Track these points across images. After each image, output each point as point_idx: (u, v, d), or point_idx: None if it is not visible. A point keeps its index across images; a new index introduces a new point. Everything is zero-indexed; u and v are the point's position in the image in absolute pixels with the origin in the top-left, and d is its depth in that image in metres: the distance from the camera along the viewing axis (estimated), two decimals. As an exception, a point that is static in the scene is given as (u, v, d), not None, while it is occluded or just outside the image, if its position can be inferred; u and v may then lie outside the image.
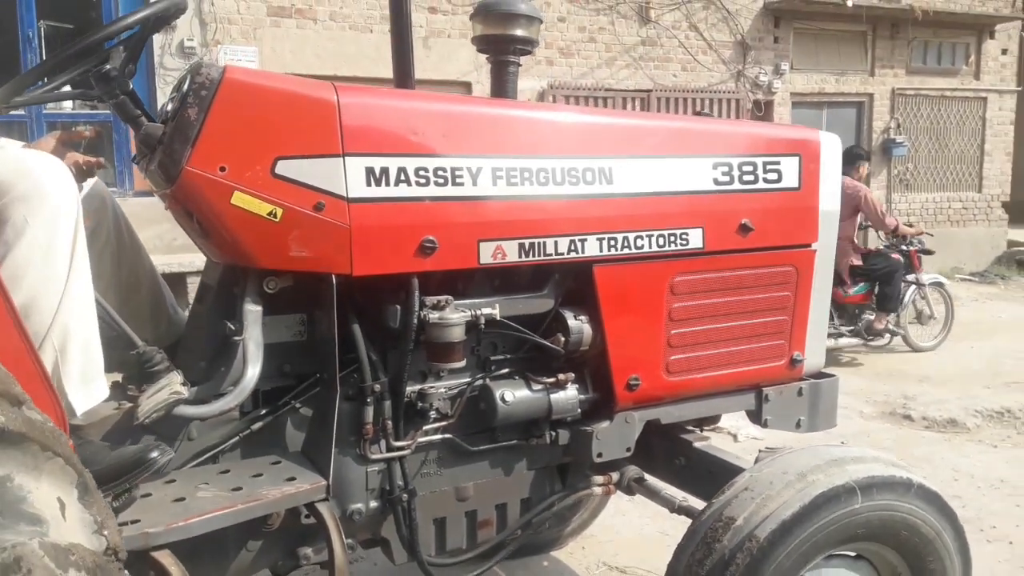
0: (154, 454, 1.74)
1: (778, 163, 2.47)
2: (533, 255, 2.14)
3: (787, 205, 2.50)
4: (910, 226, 8.01)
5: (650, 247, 2.29)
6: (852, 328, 7.24)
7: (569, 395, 2.29)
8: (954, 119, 12.90)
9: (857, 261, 7.18)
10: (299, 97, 1.90)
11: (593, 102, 10.31)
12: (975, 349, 7.70)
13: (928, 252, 7.63)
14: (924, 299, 7.62)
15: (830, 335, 7.01)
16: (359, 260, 1.94)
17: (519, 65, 2.51)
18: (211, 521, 1.76)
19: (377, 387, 2.08)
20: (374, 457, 2.11)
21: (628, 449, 2.38)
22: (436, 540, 2.32)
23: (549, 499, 2.45)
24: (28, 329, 1.55)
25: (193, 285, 6.60)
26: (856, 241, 7.42)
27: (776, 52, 11.45)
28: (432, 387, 2.18)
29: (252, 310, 1.95)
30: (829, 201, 2.59)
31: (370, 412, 2.07)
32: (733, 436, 4.91)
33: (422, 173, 1.99)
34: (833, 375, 2.75)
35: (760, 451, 2.35)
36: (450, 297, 2.10)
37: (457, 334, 2.05)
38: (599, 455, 2.33)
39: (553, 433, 2.33)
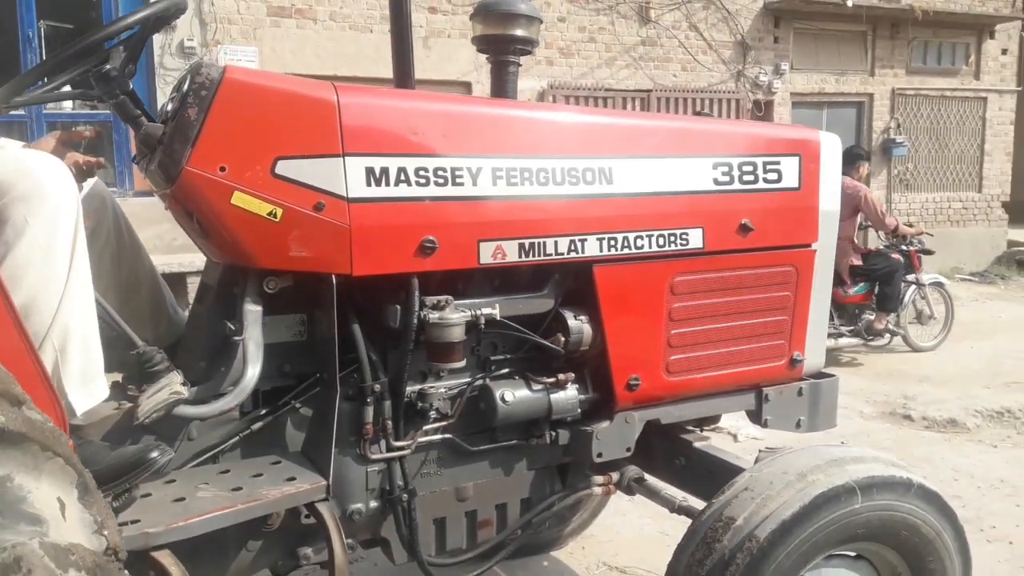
0: (154, 454, 1.75)
1: (778, 163, 2.47)
2: (533, 255, 2.14)
3: (787, 205, 2.50)
4: (910, 226, 8.01)
5: (650, 247, 2.29)
6: (852, 328, 7.25)
7: (569, 395, 2.29)
8: (954, 119, 12.91)
9: (857, 261, 7.18)
10: (299, 97, 1.90)
11: (593, 102, 10.31)
12: (975, 349, 7.70)
13: (928, 252, 7.63)
14: (924, 299, 7.62)
15: (830, 335, 7.01)
16: (359, 260, 1.94)
17: (519, 65, 2.51)
18: (211, 521, 1.76)
19: (377, 387, 2.08)
20: (374, 457, 2.11)
21: (628, 449, 2.38)
22: (436, 540, 2.32)
23: (549, 499, 2.45)
24: (28, 329, 1.55)
25: (193, 285, 6.60)
26: (856, 241, 7.42)
27: (776, 52, 11.45)
28: (432, 387, 2.18)
29: (252, 310, 1.95)
30: (829, 201, 2.59)
31: (370, 412, 2.08)
32: (733, 436, 4.91)
33: (422, 173, 1.99)
34: (833, 375, 2.75)
35: (760, 451, 2.35)
36: (450, 297, 2.10)
37: (457, 334, 2.05)
38: (599, 455, 2.33)
39: (553, 433, 2.33)
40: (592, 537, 3.66)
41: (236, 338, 1.94)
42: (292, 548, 2.10)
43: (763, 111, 11.36)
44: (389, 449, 2.12)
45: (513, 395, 2.21)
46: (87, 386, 1.74)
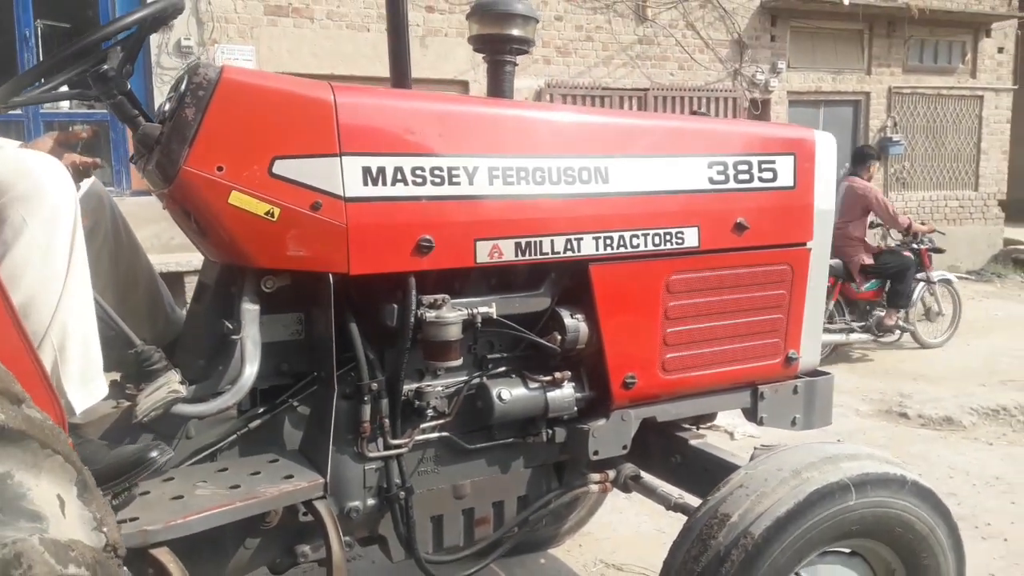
0: (154, 453, 1.75)
1: (773, 162, 2.49)
2: (529, 254, 2.15)
3: (782, 204, 2.52)
4: (922, 224, 8.09)
5: (646, 246, 2.30)
6: (863, 324, 7.31)
7: (565, 393, 2.30)
8: (950, 117, 12.93)
9: (869, 260, 7.24)
10: (296, 97, 1.91)
11: (590, 101, 10.32)
12: (971, 347, 7.72)
13: (939, 250, 7.74)
14: (933, 296, 7.72)
15: (841, 331, 7.09)
16: (356, 259, 1.95)
17: (515, 64, 2.51)
18: (209, 519, 1.77)
19: (374, 385, 2.09)
20: (371, 455, 2.12)
21: (624, 447, 2.40)
22: (433, 538, 2.33)
23: (546, 497, 2.47)
24: (27, 328, 1.55)
25: (191, 284, 6.61)
26: (868, 241, 7.48)
27: (773, 51, 11.46)
28: (429, 385, 2.19)
29: (250, 309, 1.96)
30: (824, 200, 2.60)
31: (367, 410, 2.09)
32: (730, 434, 4.93)
33: (419, 172, 2.00)
34: (828, 373, 2.77)
35: (755, 448, 2.36)
36: (447, 296, 2.10)
37: (454, 333, 2.06)
38: (595, 453, 2.34)
39: (550, 431, 2.34)
40: (589, 535, 3.67)
41: (234, 337, 1.95)
42: (290, 546, 2.11)
43: (760, 110, 11.37)
44: (386, 447, 2.13)
45: (510, 393, 2.22)
46: (86, 385, 1.74)
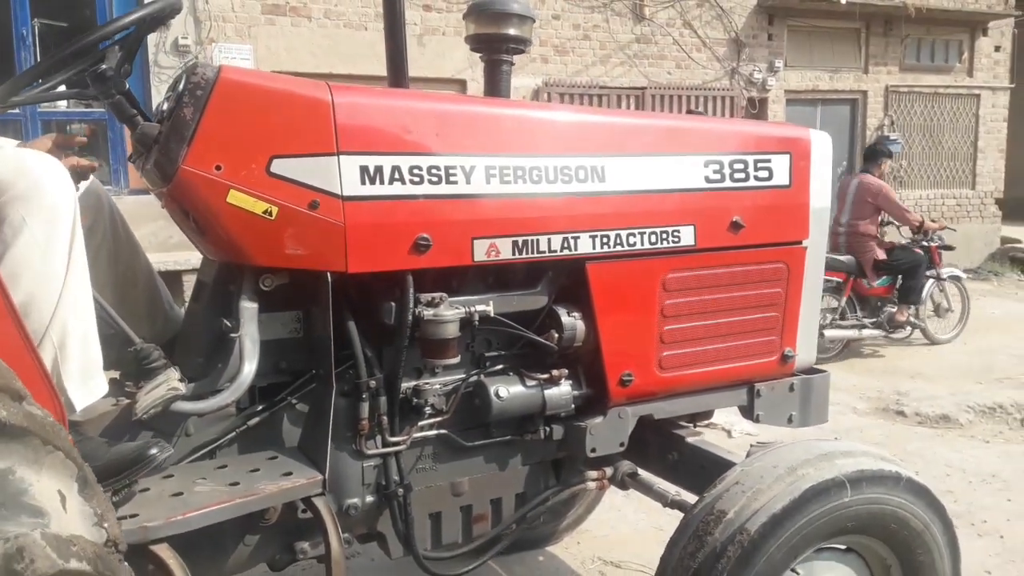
0: (153, 451, 1.76)
1: (769, 161, 2.50)
2: (526, 252, 2.16)
3: (778, 202, 2.53)
4: (933, 221, 8.14)
5: (642, 244, 2.31)
6: (874, 320, 7.35)
7: (563, 391, 2.31)
8: (947, 116, 12.94)
9: (882, 255, 7.28)
10: (294, 96, 1.91)
11: (588, 100, 10.33)
12: (968, 345, 7.74)
13: (949, 248, 7.79)
14: (943, 292, 7.78)
15: (853, 327, 7.12)
16: (354, 257, 1.95)
17: (512, 64, 2.52)
18: (209, 515, 1.78)
19: (372, 383, 2.10)
20: (370, 452, 2.13)
21: (621, 444, 2.41)
22: (432, 535, 2.33)
23: (543, 494, 2.48)
24: (27, 326, 1.56)
25: (189, 283, 6.61)
26: (880, 237, 7.53)
27: (770, 49, 11.47)
28: (427, 383, 2.21)
29: (248, 307, 1.97)
30: (819, 198, 2.61)
31: (366, 408, 2.10)
32: (727, 432, 4.94)
33: (416, 171, 2.01)
34: (824, 371, 2.78)
35: (752, 446, 2.37)
36: (444, 294, 2.11)
37: (451, 331, 2.07)
38: (593, 450, 2.35)
39: (547, 428, 2.35)
40: (587, 532, 3.68)
41: (233, 335, 1.96)
42: (289, 542, 2.12)
43: (757, 109, 11.38)
44: (385, 444, 2.14)
45: (507, 391, 2.23)
46: (87, 383, 1.75)
